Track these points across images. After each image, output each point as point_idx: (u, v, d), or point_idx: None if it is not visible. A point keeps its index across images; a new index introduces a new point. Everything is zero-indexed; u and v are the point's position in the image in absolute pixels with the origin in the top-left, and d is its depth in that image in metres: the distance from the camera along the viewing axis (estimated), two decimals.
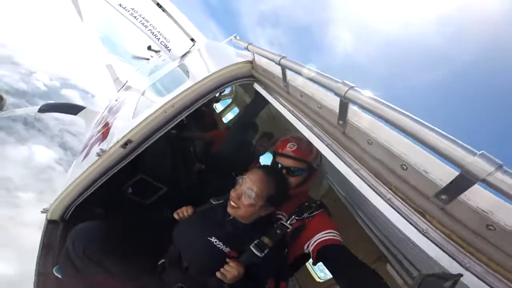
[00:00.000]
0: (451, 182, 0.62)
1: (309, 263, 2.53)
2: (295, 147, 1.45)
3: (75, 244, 1.31)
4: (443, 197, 0.65)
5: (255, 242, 1.21)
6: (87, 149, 1.95)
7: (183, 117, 1.51)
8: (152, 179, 2.04)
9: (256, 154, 2.75)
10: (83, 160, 1.78)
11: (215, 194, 2.36)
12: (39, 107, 3.79)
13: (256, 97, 1.90)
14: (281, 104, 1.27)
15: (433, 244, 0.66)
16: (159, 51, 3.83)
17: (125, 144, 1.44)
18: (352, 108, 0.90)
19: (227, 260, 1.19)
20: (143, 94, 2.34)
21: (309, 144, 1.36)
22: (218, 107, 4.83)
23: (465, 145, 0.56)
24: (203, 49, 2.61)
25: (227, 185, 2.35)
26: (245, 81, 1.60)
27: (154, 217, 1.96)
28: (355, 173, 0.82)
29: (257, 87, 1.55)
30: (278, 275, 1.28)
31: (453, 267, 0.62)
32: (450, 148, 0.57)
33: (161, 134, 1.48)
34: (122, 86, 3.57)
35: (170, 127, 1.49)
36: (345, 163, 0.86)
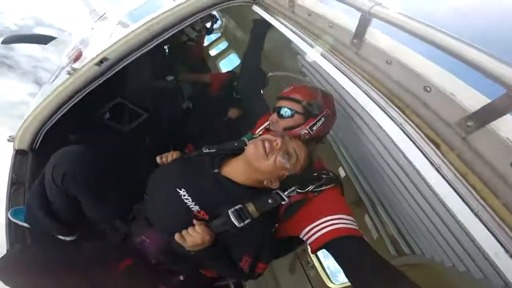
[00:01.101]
0: (487, 105, 0.53)
1: (320, 265, 2.44)
2: (291, 88, 1.23)
3: (56, 168, 1.06)
4: (469, 123, 0.57)
5: (236, 207, 0.95)
6: (57, 72, 1.72)
7: (167, 36, 1.31)
8: (131, 105, 1.86)
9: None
10: (53, 81, 1.57)
11: (200, 133, 2.29)
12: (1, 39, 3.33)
13: (256, 26, 1.63)
14: (284, 25, 1.10)
15: (445, 182, 0.59)
16: None
17: (100, 62, 1.25)
18: (370, 29, 0.78)
19: (194, 222, 0.96)
20: (120, 21, 2.06)
21: (313, 88, 1.21)
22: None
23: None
24: None
25: (215, 124, 2.27)
26: (243, 3, 1.39)
27: (136, 150, 1.84)
28: (366, 94, 0.72)
29: (257, 9, 1.34)
30: (258, 254, 1.00)
31: (462, 210, 0.56)
32: (495, 65, 0.48)
33: (142, 52, 1.29)
34: (100, 17, 3.16)
35: (151, 46, 1.30)
36: (354, 83, 0.75)
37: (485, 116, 0.54)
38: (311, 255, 2.50)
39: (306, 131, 1.13)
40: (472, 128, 0.56)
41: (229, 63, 4.13)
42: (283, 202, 0.99)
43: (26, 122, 1.39)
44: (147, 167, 1.21)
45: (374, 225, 1.89)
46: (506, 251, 0.50)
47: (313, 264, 2.48)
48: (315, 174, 1.07)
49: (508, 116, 0.53)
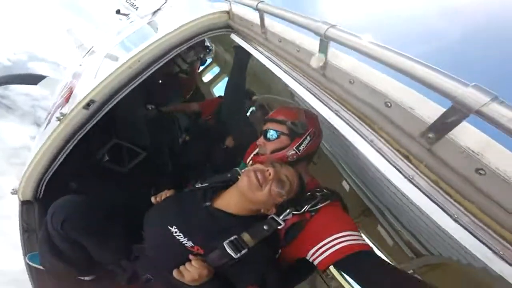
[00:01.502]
0: (441, 117, 0.55)
1: (340, 275, 2.40)
2: (276, 110, 1.25)
3: (54, 217, 1.11)
4: (430, 135, 0.59)
5: (231, 238, 0.94)
6: (49, 116, 1.78)
7: (151, 72, 1.36)
8: (129, 144, 1.89)
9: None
10: (45, 128, 1.62)
11: (200, 162, 2.29)
12: None
13: (237, 53, 1.64)
14: (259, 52, 1.15)
15: (419, 192, 0.61)
16: (128, 14, 3.47)
17: (88, 104, 1.30)
18: (331, 50, 0.82)
19: (190, 257, 0.95)
20: (107, 54, 2.14)
21: (296, 108, 1.24)
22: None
23: (456, 77, 0.51)
24: (176, 5, 2.36)
25: (214, 154, 2.28)
26: (221, 32, 1.46)
27: (137, 189, 1.86)
28: (336, 114, 0.75)
29: (235, 37, 1.41)
30: (263, 282, 0.96)
31: (441, 218, 0.58)
32: (441, 80, 0.51)
33: (126, 92, 1.34)
34: (87, 52, 3.27)
35: (135, 84, 1.35)
36: (325, 105, 0.78)
37: (442, 127, 0.56)
38: (331, 267, 2.46)
39: (293, 152, 1.13)
40: (433, 139, 0.58)
41: (223, 88, 4.22)
42: (279, 227, 0.99)
43: (26, 174, 1.45)
44: (147, 207, 1.25)
45: (387, 232, 1.90)
46: (494, 253, 0.51)
47: (333, 275, 2.44)
48: (309, 193, 1.07)
49: (464, 124, 0.55)
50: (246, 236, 0.95)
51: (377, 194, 1.71)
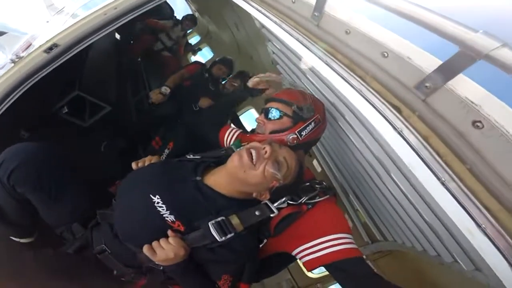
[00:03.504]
0: (445, 63, 0.52)
1: None
2: (282, 90, 1.14)
3: (1, 166, 0.92)
4: (427, 84, 0.56)
5: (218, 219, 0.83)
6: (3, 62, 1.57)
7: (125, 21, 1.23)
8: (92, 98, 1.71)
9: (223, 92, 2.38)
10: None
11: (170, 118, 2.16)
12: None
13: None
14: (252, 7, 1.06)
15: (407, 147, 0.57)
16: None
17: (50, 48, 1.13)
18: (329, 3, 0.76)
19: (169, 233, 0.83)
20: (76, 11, 1.93)
21: (304, 93, 1.12)
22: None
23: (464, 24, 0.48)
24: None
25: (185, 114, 2.17)
26: None
27: (99, 148, 1.71)
28: (327, 64, 0.69)
29: None
30: (239, 272, 0.89)
31: (428, 180, 0.54)
32: (450, 26, 0.49)
33: (94, 39, 1.19)
34: (57, 12, 2.97)
35: (107, 31, 1.21)
36: (316, 55, 0.73)
37: (442, 75, 0.53)
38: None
39: (295, 136, 1.03)
40: (431, 89, 0.55)
41: (202, 56, 4.07)
42: (272, 215, 0.89)
43: None
44: (115, 168, 1.11)
45: (347, 213, 1.91)
46: (478, 225, 0.48)
47: None
48: (308, 184, 0.99)
49: (463, 76, 0.53)
50: (235, 219, 0.84)
51: (344, 173, 1.70)
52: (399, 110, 0.59)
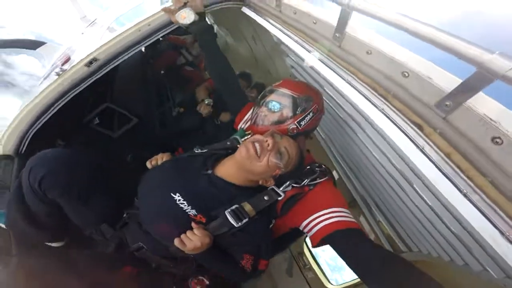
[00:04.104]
0: (463, 83, 0.55)
1: (317, 267, 2.43)
2: (281, 81, 1.20)
3: (32, 172, 0.98)
4: (447, 103, 0.59)
5: (233, 207, 0.95)
6: (46, 74, 1.71)
7: (158, 36, 1.33)
8: (121, 109, 1.83)
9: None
10: (42, 82, 1.55)
11: (192, 131, 2.26)
12: None
13: (202, 37, 1.39)
14: (272, 25, 1.13)
15: (430, 163, 0.60)
16: None
17: (90, 62, 1.25)
18: (350, 24, 0.81)
19: (193, 225, 0.94)
20: (111, 25, 2.07)
21: (303, 83, 1.22)
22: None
23: (480, 45, 0.51)
24: None
25: (207, 127, 2.26)
26: (233, 4, 1.42)
27: (122, 158, 1.81)
28: (349, 84, 0.74)
29: (246, 10, 1.38)
30: (258, 251, 0.99)
31: (450, 193, 0.57)
32: (466, 47, 0.52)
33: (131, 53, 1.30)
34: (90, 23, 3.17)
35: (142, 47, 1.32)
36: (338, 75, 0.77)
37: (461, 94, 0.56)
38: (308, 257, 2.49)
39: (294, 126, 1.13)
40: (451, 107, 0.58)
41: None
42: (279, 198, 1.00)
43: (11, 126, 1.34)
44: (136, 172, 1.18)
45: (370, 226, 1.91)
46: (502, 233, 0.50)
47: (311, 266, 2.47)
48: (308, 167, 1.08)
49: (482, 94, 0.56)
50: (247, 206, 0.95)
51: (365, 185, 1.72)
52: (421, 128, 0.63)
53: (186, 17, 1.26)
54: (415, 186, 1.04)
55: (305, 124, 1.14)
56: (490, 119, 0.54)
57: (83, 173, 1.07)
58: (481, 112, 0.55)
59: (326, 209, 0.96)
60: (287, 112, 1.13)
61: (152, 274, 1.14)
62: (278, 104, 1.14)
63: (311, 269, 2.47)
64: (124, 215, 1.13)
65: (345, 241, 0.91)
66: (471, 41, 0.53)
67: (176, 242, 0.91)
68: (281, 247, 1.29)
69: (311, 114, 1.14)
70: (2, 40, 3.60)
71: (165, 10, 1.29)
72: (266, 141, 0.98)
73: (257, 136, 1.03)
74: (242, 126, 1.32)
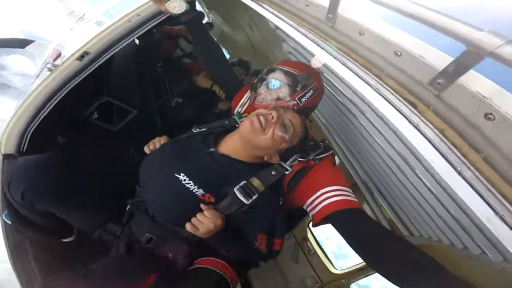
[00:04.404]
0: (454, 61, 0.55)
1: (322, 252, 2.46)
2: (281, 61, 1.20)
3: (11, 187, 0.93)
4: (440, 81, 0.59)
5: (241, 184, 0.90)
6: (38, 72, 1.69)
7: (149, 27, 1.30)
8: (119, 102, 1.82)
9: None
10: (34, 80, 1.54)
11: (191, 121, 2.26)
12: None
13: (187, 20, 1.33)
14: (266, 9, 1.11)
15: (425, 140, 0.60)
16: None
17: (82, 56, 1.23)
18: (342, 5, 0.79)
19: (202, 206, 0.89)
20: (100, 19, 2.04)
21: (302, 63, 1.22)
22: None
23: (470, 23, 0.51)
24: None
25: (206, 116, 2.26)
26: None
27: (127, 149, 1.81)
28: (343, 65, 0.73)
29: None
30: (271, 229, 0.95)
31: (445, 171, 0.57)
32: (457, 26, 0.52)
33: (123, 45, 1.28)
34: (78, 19, 3.11)
35: (133, 38, 1.29)
36: (332, 56, 0.77)
37: (453, 72, 0.56)
38: (312, 242, 2.54)
39: (295, 102, 1.12)
40: (443, 85, 0.59)
41: None
42: (286, 172, 0.97)
43: (9, 124, 1.34)
44: (139, 164, 1.13)
45: (372, 210, 1.93)
46: (496, 213, 0.51)
47: (315, 251, 2.52)
48: (312, 143, 1.08)
49: (474, 72, 0.56)
50: (255, 181, 0.92)
51: (367, 169, 1.73)
52: (414, 106, 0.63)
53: (177, 6, 1.23)
54: (415, 170, 1.05)
55: (305, 100, 1.13)
56: (483, 96, 0.54)
57: (68, 178, 1.01)
58: (474, 89, 0.55)
59: (330, 186, 0.95)
60: (287, 88, 1.12)
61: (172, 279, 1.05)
62: (278, 81, 1.14)
63: (315, 254, 2.52)
64: (128, 206, 1.09)
65: (346, 220, 0.91)
66: (461, 20, 0.53)
67: (188, 227, 0.87)
68: (289, 226, 1.27)
69: (311, 91, 1.13)
70: None
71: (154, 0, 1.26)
72: (270, 113, 0.96)
73: (261, 110, 1.01)
74: (239, 110, 1.31)
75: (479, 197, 0.53)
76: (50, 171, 0.97)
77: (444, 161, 0.57)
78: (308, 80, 1.13)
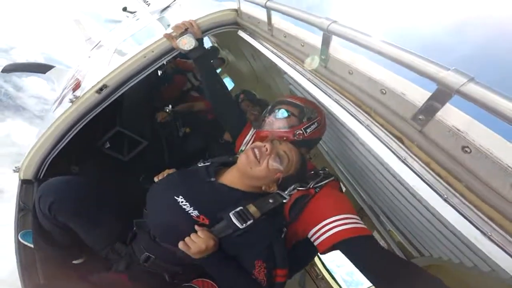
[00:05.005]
0: (429, 99, 0.62)
1: (330, 277, 2.44)
2: (290, 96, 1.29)
3: (42, 199, 1.08)
4: (420, 117, 0.65)
5: (237, 209, 0.95)
6: (59, 99, 1.83)
7: (163, 62, 1.43)
8: (130, 132, 1.93)
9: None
10: (55, 110, 1.67)
11: (199, 152, 2.35)
12: (2, 67, 3.46)
13: (199, 61, 1.44)
14: (265, 47, 1.23)
15: (412, 173, 0.66)
16: (134, 12, 3.56)
17: (100, 89, 1.36)
18: (333, 45, 0.89)
19: (196, 228, 0.94)
20: (117, 48, 2.21)
21: (308, 99, 1.28)
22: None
23: (440, 63, 0.57)
24: (184, 4, 2.46)
25: (212, 147, 2.34)
26: (230, 28, 1.54)
27: (133, 177, 1.90)
28: (337, 103, 0.81)
29: (242, 34, 1.49)
30: (269, 257, 0.93)
31: (433, 199, 0.63)
32: (425, 65, 0.58)
33: (139, 79, 1.41)
34: (95, 45, 3.34)
35: (148, 73, 1.42)
36: (327, 95, 0.85)
37: (430, 109, 0.62)
38: (320, 267, 2.50)
39: (301, 132, 1.19)
40: (424, 120, 0.65)
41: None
42: (284, 201, 1.00)
43: (31, 152, 1.46)
44: (145, 188, 1.23)
45: (380, 234, 1.94)
46: (483, 234, 0.54)
47: (323, 276, 2.47)
48: (312, 172, 1.12)
49: (450, 105, 0.62)
50: (252, 208, 0.96)
51: (371, 194, 1.76)
52: (401, 141, 0.69)
53: (187, 42, 1.35)
54: (415, 195, 1.07)
55: (310, 131, 1.20)
56: (458, 129, 0.60)
57: (89, 197, 1.14)
58: (450, 123, 0.62)
59: (334, 216, 0.94)
60: (295, 119, 1.20)
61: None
62: (286, 111, 1.22)
63: (324, 279, 2.47)
64: (134, 227, 1.16)
65: (355, 248, 0.90)
66: (432, 60, 0.59)
67: (181, 245, 0.91)
68: (297, 264, 1.22)
69: (316, 123, 1.21)
70: (13, 64, 3.77)
71: (167, 36, 1.39)
72: (264, 145, 1.02)
73: (256, 143, 1.07)
74: (243, 149, 1.38)
75: (465, 220, 0.58)
76: (75, 189, 1.11)
77: (431, 190, 0.63)
78: (313, 114, 1.21)
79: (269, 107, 1.32)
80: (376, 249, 0.90)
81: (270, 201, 0.99)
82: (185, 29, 1.36)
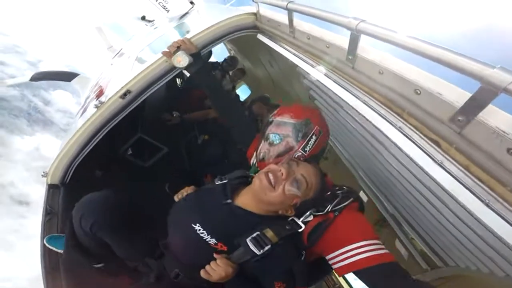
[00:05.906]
0: (470, 98, 0.58)
1: (348, 286, 2.40)
2: (278, 110, 1.18)
3: (83, 219, 1.11)
4: (460, 118, 0.62)
5: (254, 234, 0.93)
6: (84, 107, 1.90)
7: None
8: (151, 139, 1.98)
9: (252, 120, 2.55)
10: (80, 116, 1.73)
11: (218, 159, 2.35)
12: (31, 75, 3.64)
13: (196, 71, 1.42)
14: (287, 50, 1.22)
15: (450, 177, 0.62)
16: (153, 20, 3.67)
17: (124, 94, 1.39)
18: (360, 45, 0.87)
19: (215, 255, 0.95)
20: (138, 56, 2.28)
21: (299, 106, 1.18)
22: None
23: (482, 60, 0.54)
24: (203, 10, 2.51)
25: (230, 153, 2.35)
26: (249, 32, 1.54)
27: (158, 185, 1.91)
28: (365, 104, 0.79)
29: (261, 37, 1.49)
30: (289, 278, 0.93)
31: (473, 204, 0.59)
32: (469, 64, 0.55)
33: (161, 84, 1.43)
34: (117, 53, 3.46)
35: (170, 77, 1.44)
36: (354, 96, 0.82)
37: (471, 109, 0.59)
38: (338, 277, 2.43)
39: (300, 153, 1.09)
40: (464, 122, 0.61)
41: (242, 93, 4.37)
42: (299, 230, 0.97)
43: (58, 158, 1.52)
44: (173, 201, 1.26)
45: (402, 243, 1.87)
46: None
47: (340, 285, 2.41)
48: (329, 193, 1.04)
49: (493, 106, 0.58)
50: (269, 233, 0.93)
51: (395, 203, 1.70)
52: (438, 144, 0.65)
53: (181, 60, 1.34)
54: (447, 203, 1.03)
55: (310, 149, 1.10)
56: (503, 131, 0.56)
57: (126, 215, 1.16)
58: (493, 124, 0.57)
59: (356, 242, 0.90)
60: (289, 141, 1.11)
61: None
62: (278, 136, 1.12)
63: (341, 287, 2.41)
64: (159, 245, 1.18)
65: (374, 277, 0.88)
66: (474, 58, 0.56)
67: (202, 273, 0.94)
68: (316, 277, 1.20)
69: (313, 137, 1.10)
70: (41, 73, 3.97)
71: (165, 53, 1.38)
72: (280, 170, 0.96)
73: (272, 166, 1.01)
74: (254, 162, 1.30)
75: (508, 224, 0.54)
76: (111, 209, 1.13)
77: (471, 194, 0.59)
78: (308, 127, 1.09)
79: (261, 130, 1.22)
80: (397, 277, 0.87)
81: (287, 227, 0.97)
82: (177, 47, 1.36)
